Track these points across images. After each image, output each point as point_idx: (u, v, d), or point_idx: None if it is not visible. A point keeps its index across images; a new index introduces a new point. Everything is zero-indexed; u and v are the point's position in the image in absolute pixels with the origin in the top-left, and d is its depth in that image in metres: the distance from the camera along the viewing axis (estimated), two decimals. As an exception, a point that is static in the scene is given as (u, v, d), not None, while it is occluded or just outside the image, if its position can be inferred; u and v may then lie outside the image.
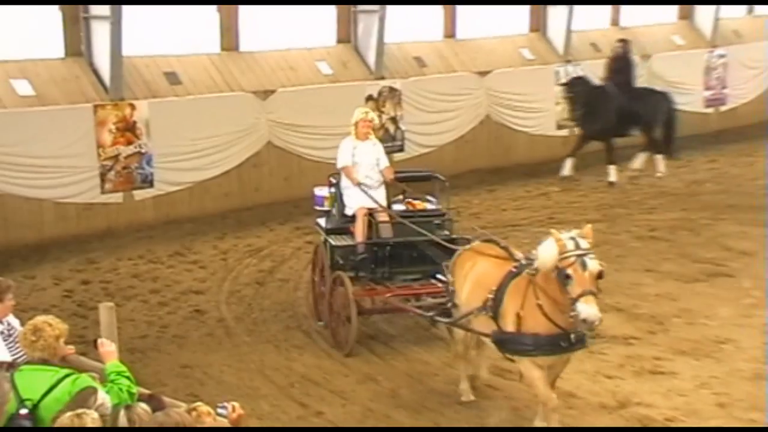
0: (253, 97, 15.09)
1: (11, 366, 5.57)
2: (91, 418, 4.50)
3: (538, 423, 7.62)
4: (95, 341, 6.02)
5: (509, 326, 7.24)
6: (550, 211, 15.16)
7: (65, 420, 4.48)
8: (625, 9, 20.22)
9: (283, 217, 14.66)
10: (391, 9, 16.15)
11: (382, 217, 9.72)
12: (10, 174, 12.84)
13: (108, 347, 5.81)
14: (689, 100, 20.73)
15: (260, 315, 10.95)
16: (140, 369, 8.42)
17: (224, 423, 4.98)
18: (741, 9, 22.20)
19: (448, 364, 9.24)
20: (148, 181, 14.07)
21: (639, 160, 17.01)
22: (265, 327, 10.57)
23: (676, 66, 20.34)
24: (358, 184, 9.73)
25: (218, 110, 14.54)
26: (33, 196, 13.08)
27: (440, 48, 17.68)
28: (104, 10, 13.33)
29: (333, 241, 9.89)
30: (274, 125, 15.27)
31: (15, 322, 6.25)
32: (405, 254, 9.65)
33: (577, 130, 17.04)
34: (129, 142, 13.83)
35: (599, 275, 6.80)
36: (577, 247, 6.80)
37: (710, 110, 21.32)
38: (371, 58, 16.39)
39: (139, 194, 14.01)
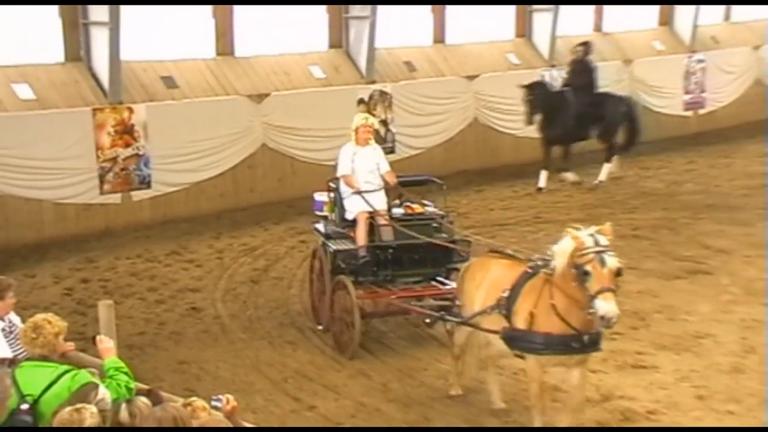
0: (248, 101, 15.08)
1: (12, 362, 5.56)
2: (90, 413, 4.49)
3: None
4: (94, 338, 6.01)
5: (521, 324, 7.09)
6: (535, 210, 15.19)
7: (64, 415, 4.47)
8: (607, 15, 20.27)
9: (277, 217, 14.66)
10: (381, 15, 16.15)
11: (383, 220, 9.53)
12: (11, 175, 12.82)
13: (106, 344, 5.80)
14: (669, 103, 20.86)
15: (255, 312, 10.94)
16: (138, 365, 8.41)
17: (219, 416, 4.97)
18: (718, 16, 22.28)
19: (437, 359, 9.25)
20: (145, 183, 14.05)
21: (614, 165, 16.69)
22: (260, 324, 10.56)
23: (657, 70, 20.42)
24: (359, 192, 9.52)
25: (214, 113, 14.53)
26: (33, 196, 13.05)
27: (429, 53, 17.69)
28: (103, 16, 13.30)
29: (334, 245, 9.67)
30: (268, 128, 15.26)
31: (16, 319, 6.23)
32: (406, 257, 9.46)
33: (539, 139, 16.43)
34: (127, 145, 13.81)
35: (618, 272, 6.62)
36: (596, 243, 6.63)
37: (689, 113, 21.39)
38: (363, 63, 16.40)
39: (137, 195, 13.99)
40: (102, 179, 13.64)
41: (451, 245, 9.38)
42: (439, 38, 17.84)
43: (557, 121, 15.89)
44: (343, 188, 9.75)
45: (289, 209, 14.95)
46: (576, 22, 19.51)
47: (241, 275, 12.19)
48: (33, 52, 13.48)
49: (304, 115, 15.43)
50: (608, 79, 19.51)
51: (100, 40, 13.57)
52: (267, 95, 15.28)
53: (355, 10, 16.21)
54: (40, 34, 13.60)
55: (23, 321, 5.82)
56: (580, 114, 15.95)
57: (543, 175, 16.28)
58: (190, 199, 14.52)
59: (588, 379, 8.52)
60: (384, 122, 16.52)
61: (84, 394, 4.94)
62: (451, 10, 17.81)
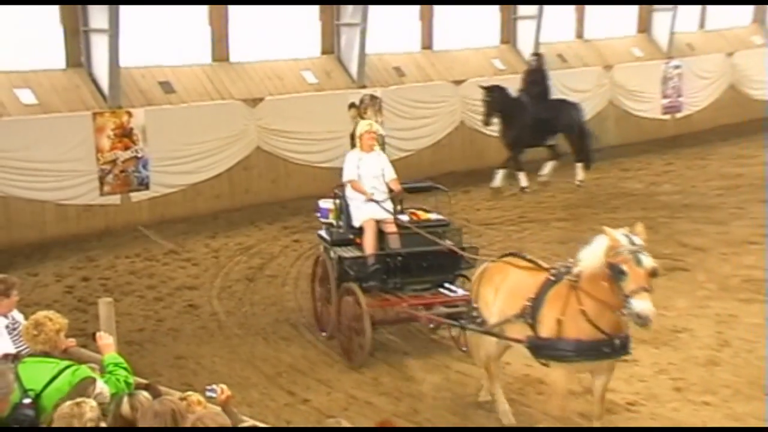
0: (243, 105, 15.05)
1: (16, 358, 5.54)
2: (90, 407, 4.48)
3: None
4: (94, 334, 5.99)
5: (547, 332, 6.77)
6: (520, 210, 15.20)
7: (65, 409, 4.46)
8: (588, 22, 20.31)
9: (271, 216, 14.64)
10: (372, 22, 16.15)
11: (391, 228, 9.22)
12: (14, 177, 12.78)
13: (106, 340, 5.79)
14: (648, 107, 20.92)
15: (250, 309, 10.92)
16: (137, 360, 8.38)
17: (215, 409, 4.96)
18: (694, 24, 22.37)
19: (426, 354, 9.26)
20: (144, 184, 14.01)
21: (548, 168, 16.52)
22: (255, 320, 10.54)
23: (636, 76, 20.48)
24: (372, 199, 9.18)
25: (210, 117, 14.51)
26: (35, 198, 13.01)
27: (418, 59, 17.70)
28: (103, 23, 13.28)
29: (342, 252, 9.37)
30: (262, 131, 15.24)
31: (19, 316, 6.21)
32: (415, 264, 9.13)
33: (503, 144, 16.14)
34: (126, 148, 13.77)
35: (653, 272, 6.37)
36: (631, 243, 6.34)
37: (667, 117, 21.45)
38: (353, 68, 16.39)
39: (136, 196, 13.96)
40: (102, 181, 13.59)
41: (465, 253, 9.08)
42: (427, 44, 17.85)
43: (514, 125, 15.71)
44: (350, 195, 9.44)
45: (283, 209, 14.94)
46: (558, 29, 19.54)
47: (237, 273, 12.16)
48: (35, 59, 13.45)
49: (297, 119, 15.42)
50: (590, 84, 19.67)
51: (100, 46, 13.53)
52: (261, 100, 15.26)
53: (347, 17, 16.21)
54: (42, 40, 13.57)
55: (26, 318, 5.81)
56: (535, 120, 15.79)
57: (521, 175, 16.06)
58: (187, 200, 14.49)
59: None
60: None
61: (82, 388, 4.93)
62: (438, 17, 17.83)
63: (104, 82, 13.63)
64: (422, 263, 9.15)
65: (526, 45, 18.77)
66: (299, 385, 8.74)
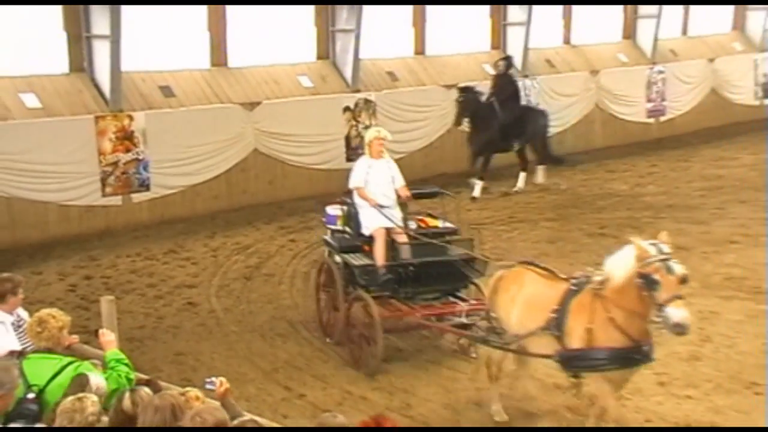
0: (241, 109, 15.04)
1: (21, 354, 5.53)
2: (91, 402, 4.48)
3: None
4: (97, 331, 5.99)
5: (577, 343, 6.54)
6: (510, 210, 15.22)
7: (67, 404, 4.46)
8: (575, 29, 20.34)
9: (268, 217, 14.63)
10: (366, 28, 16.14)
11: (401, 237, 8.91)
12: (18, 179, 12.75)
13: (108, 337, 5.79)
14: (633, 111, 20.97)
15: (247, 307, 10.91)
16: (138, 356, 8.35)
17: (213, 404, 4.96)
18: (677, 30, 22.43)
19: (418, 350, 9.26)
20: (144, 185, 13.99)
21: (521, 180, 16.29)
22: (252, 317, 10.53)
23: (621, 80, 20.53)
24: (377, 205, 8.91)
25: (209, 120, 14.49)
26: (39, 199, 12.98)
27: (411, 64, 17.71)
28: (105, 29, 13.26)
29: (351, 260, 9.09)
30: (259, 134, 15.23)
31: (24, 314, 6.21)
32: (426, 274, 8.82)
33: (469, 150, 16.01)
34: (127, 150, 13.75)
35: (684, 279, 6.21)
36: (660, 252, 6.22)
37: (651, 120, 21.51)
38: (348, 73, 16.38)
39: (137, 197, 13.93)
40: (104, 182, 13.57)
41: (477, 262, 8.87)
42: (420, 50, 17.86)
43: (483, 129, 15.51)
44: (359, 202, 9.11)
45: (279, 210, 14.93)
46: (546, 35, 19.57)
47: (235, 272, 12.15)
48: (39, 64, 13.42)
49: (294, 122, 15.41)
50: (577, 88, 19.72)
51: (102, 52, 13.51)
52: (258, 103, 15.25)
53: (341, 23, 16.21)
54: (46, 46, 13.53)
55: (30, 316, 5.80)
56: (504, 125, 15.62)
57: (478, 185, 15.68)
58: (186, 201, 14.47)
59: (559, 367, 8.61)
60: (368, 128, 16.49)
61: (79, 384, 4.92)
62: (430, 23, 17.84)
63: (106, 87, 13.60)
64: (433, 272, 8.85)
65: (515, 50, 18.78)
66: (295, 380, 8.74)
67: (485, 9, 18.74)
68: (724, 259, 12.01)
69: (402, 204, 9.22)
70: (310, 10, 16.18)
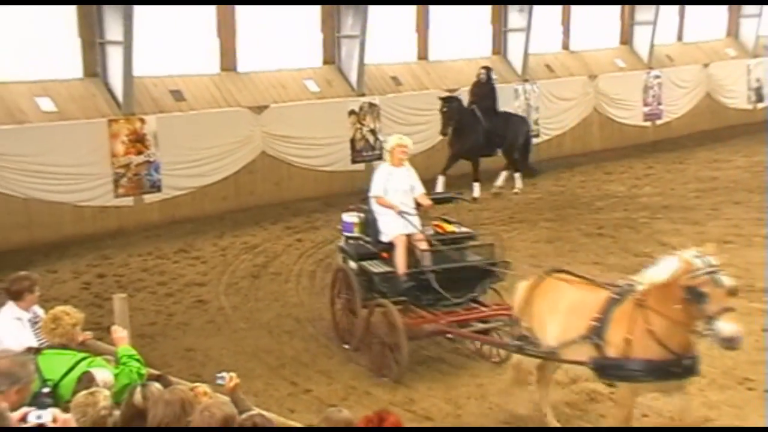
0: (249, 112, 15.05)
1: (37, 350, 5.55)
2: (103, 396, 4.49)
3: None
4: (109, 328, 6.00)
5: (614, 352, 6.29)
6: (510, 211, 15.21)
7: (80, 398, 4.47)
8: (574, 35, 20.33)
9: (275, 217, 14.63)
10: (370, 34, 16.15)
11: (423, 244, 8.68)
12: (34, 180, 12.77)
13: (120, 333, 5.81)
14: (630, 114, 20.96)
15: (255, 304, 10.91)
16: (149, 352, 8.38)
17: (221, 398, 4.97)
18: (672, 36, 22.40)
19: (420, 346, 9.25)
20: (155, 187, 14.00)
21: (501, 179, 16.20)
22: (260, 315, 10.54)
23: (619, 85, 20.52)
24: (401, 213, 8.64)
25: (218, 124, 14.50)
26: (54, 200, 13.01)
27: (414, 68, 17.70)
28: (118, 35, 13.28)
29: (370, 267, 8.81)
30: (267, 137, 15.24)
31: (40, 311, 6.24)
32: (447, 280, 8.55)
33: (448, 149, 15.63)
34: (139, 152, 13.77)
35: (734, 291, 5.91)
36: (708, 264, 5.91)
37: (648, 123, 21.48)
38: (353, 78, 16.39)
39: (148, 198, 13.96)
40: (116, 184, 13.59)
41: (497, 267, 8.66)
42: (423, 55, 17.86)
43: (467, 136, 15.35)
44: (378, 209, 8.86)
45: (285, 210, 14.94)
46: (546, 41, 19.56)
47: (243, 271, 12.16)
48: (54, 69, 13.44)
49: (300, 125, 15.42)
50: (576, 92, 19.70)
51: (114, 57, 13.53)
52: (266, 107, 15.26)
53: (347, 29, 16.21)
54: (61, 52, 13.56)
55: (46, 312, 5.82)
56: (487, 131, 15.52)
57: (440, 179, 15.32)
58: (195, 202, 14.49)
59: (557, 363, 8.59)
60: (373, 131, 16.53)
61: (86, 381, 4.94)
62: (433, 29, 17.84)
63: (119, 91, 13.63)
64: (455, 278, 8.60)
65: (515, 56, 18.80)
66: (301, 376, 8.74)
67: (486, 15, 18.73)
68: (718, 258, 11.96)
69: (422, 213, 8.99)
70: (316, 17, 16.20)
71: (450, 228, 9.19)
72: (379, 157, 16.47)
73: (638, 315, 6.21)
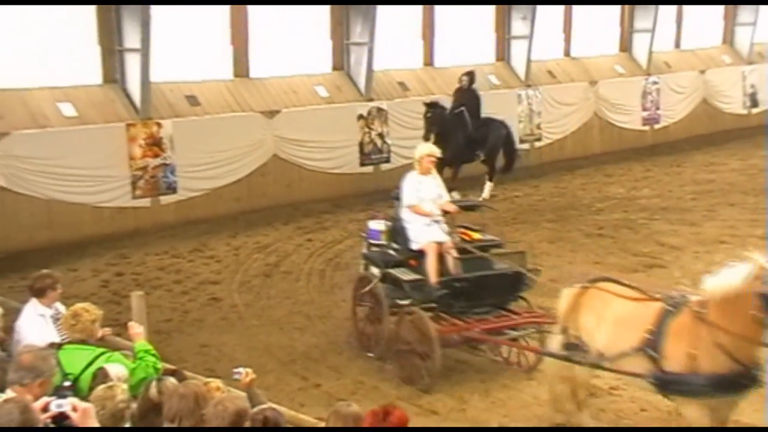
0: (261, 117, 15.07)
1: (59, 345, 5.57)
2: (121, 389, 4.50)
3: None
4: (126, 324, 6.02)
5: (676, 367, 5.88)
6: (513, 212, 15.16)
7: (99, 392, 4.48)
8: (575, 42, 20.27)
9: (286, 218, 14.63)
10: (378, 41, 16.15)
11: (453, 252, 8.47)
12: (56, 182, 12.80)
13: (136, 329, 5.82)
14: (629, 119, 20.89)
15: (267, 302, 10.92)
16: (165, 348, 8.36)
17: (235, 393, 4.97)
18: (670, 44, 22.33)
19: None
20: (171, 188, 14.01)
21: (487, 190, 15.69)
22: (271, 312, 10.54)
23: (618, 90, 20.46)
24: (435, 219, 8.50)
25: (231, 128, 14.51)
26: (74, 201, 13.03)
27: (420, 74, 17.69)
28: (136, 43, 13.31)
29: (398, 274, 8.55)
30: (278, 140, 15.24)
31: (62, 308, 6.26)
32: (479, 287, 8.33)
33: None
34: (156, 155, 13.79)
35: None
36: None
37: (646, 128, 21.41)
38: (362, 83, 16.38)
39: (164, 199, 13.96)
40: (134, 185, 13.61)
41: (528, 274, 8.43)
42: (429, 61, 17.84)
43: (449, 142, 14.76)
44: (407, 217, 8.67)
45: (296, 211, 14.94)
46: (548, 48, 19.51)
47: (255, 269, 12.16)
48: (75, 75, 13.47)
49: (310, 129, 15.42)
50: (577, 98, 19.66)
51: (132, 64, 13.56)
52: (278, 112, 15.27)
53: (356, 37, 16.21)
54: (82, 59, 13.58)
55: (67, 309, 5.84)
56: (468, 136, 15.18)
57: (452, 195, 15.09)
58: (210, 203, 14.50)
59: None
60: (380, 135, 16.53)
61: (101, 377, 4.95)
62: (439, 37, 17.82)
63: (136, 97, 13.65)
64: (486, 286, 8.38)
65: (518, 62, 18.76)
66: (311, 371, 8.74)
67: (490, 23, 18.70)
68: (714, 258, 11.91)
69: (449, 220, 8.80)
70: (326, 24, 16.21)
71: (476, 236, 8.95)
72: (387, 160, 16.54)
73: (700, 327, 5.79)
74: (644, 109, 21.22)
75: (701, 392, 5.82)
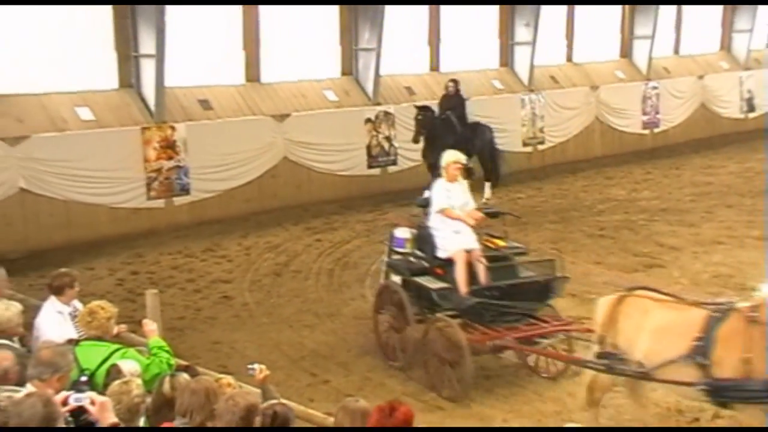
0: (272, 120, 15.07)
1: (76, 342, 5.59)
2: (136, 384, 4.51)
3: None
4: (140, 321, 6.03)
5: (729, 373, 5.72)
6: (517, 214, 15.02)
7: (115, 387, 4.49)
8: (577, 48, 20.22)
9: (295, 219, 14.62)
10: (386, 47, 16.14)
11: (482, 260, 8.19)
12: (73, 184, 12.84)
13: (150, 326, 5.84)
14: (629, 123, 20.82)
15: (277, 300, 10.92)
16: (178, 344, 8.39)
17: (247, 388, 4.97)
18: (669, 50, 22.26)
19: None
20: (185, 190, 14.03)
21: (487, 190, 15.36)
22: (281, 310, 10.54)
23: (619, 95, 20.40)
24: (471, 224, 8.24)
25: (243, 131, 14.52)
26: (91, 202, 13.06)
27: (426, 79, 17.66)
28: (151, 49, 13.34)
29: (426, 283, 8.29)
30: (288, 143, 15.25)
31: (80, 305, 6.28)
32: (509, 295, 8.03)
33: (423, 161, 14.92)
34: (170, 158, 13.81)
35: None
36: None
37: (646, 131, 21.34)
38: (369, 88, 16.38)
39: (178, 200, 13.98)
40: (148, 187, 13.63)
41: (557, 282, 8.25)
42: (435, 66, 17.82)
43: (438, 147, 14.11)
44: (435, 224, 8.40)
45: (305, 212, 14.94)
46: (550, 53, 19.47)
47: (265, 269, 12.17)
48: (92, 81, 13.50)
49: (320, 133, 15.42)
50: (579, 102, 19.61)
51: (147, 69, 13.59)
52: (288, 115, 15.27)
53: (364, 42, 16.21)
54: (99, 65, 13.62)
55: (84, 307, 5.86)
56: (456, 141, 14.58)
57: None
58: (222, 204, 14.51)
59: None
60: (388, 138, 16.51)
61: (115, 372, 4.97)
62: (445, 42, 17.81)
63: (151, 101, 13.68)
64: (517, 294, 8.08)
65: (522, 67, 18.72)
66: (320, 367, 8.74)
67: (494, 29, 18.68)
68: (712, 258, 11.94)
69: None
70: (335, 30, 16.21)
71: (500, 243, 8.66)
72: (394, 163, 16.53)
73: (755, 332, 5.60)
74: (644, 114, 21.15)
75: (760, 396, 5.64)
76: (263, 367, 5.25)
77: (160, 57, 13.32)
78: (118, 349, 5.38)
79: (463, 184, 8.63)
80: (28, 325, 6.15)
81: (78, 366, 5.10)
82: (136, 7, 13.38)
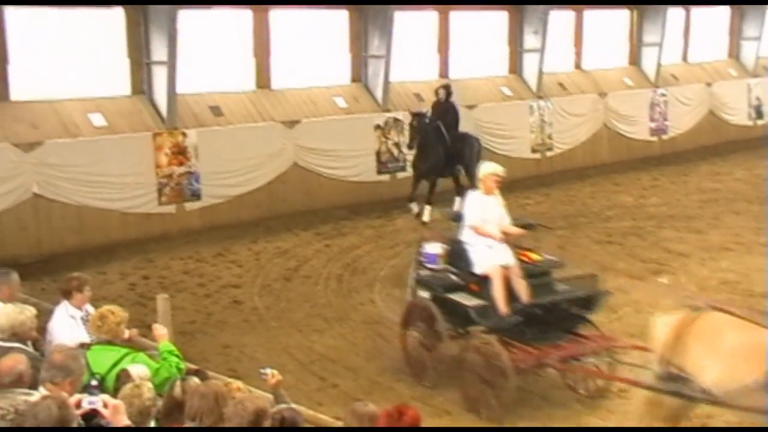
0: (282, 127, 15.11)
1: (88, 346, 5.61)
2: (147, 388, 4.52)
3: None
4: (151, 325, 6.05)
5: None
6: (550, 225, 14.88)
7: (126, 390, 4.51)
8: (585, 55, 20.20)
9: (305, 224, 14.63)
10: (395, 54, 16.17)
11: (521, 276, 7.81)
12: (86, 189, 12.88)
13: (160, 330, 5.86)
14: (638, 130, 20.77)
15: (286, 305, 10.93)
16: (189, 348, 8.41)
17: (256, 392, 4.98)
18: (677, 57, 22.21)
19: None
20: (196, 195, 14.07)
21: (457, 203, 14.38)
22: (291, 314, 10.55)
23: (627, 102, 20.35)
24: (504, 240, 7.89)
25: (253, 137, 14.56)
26: (103, 206, 13.11)
27: (435, 86, 17.60)
28: (163, 56, 13.40)
29: (462, 300, 7.92)
30: (298, 149, 15.27)
31: (91, 309, 6.29)
32: (551, 312, 7.72)
33: (412, 170, 14.78)
34: (181, 163, 13.86)
35: None
36: None
37: (654, 138, 21.28)
38: (379, 94, 16.39)
39: (189, 206, 14.01)
40: (160, 192, 13.68)
41: (596, 298, 7.99)
42: (444, 74, 17.81)
43: (429, 155, 14.44)
44: (469, 239, 8.04)
45: (315, 218, 14.95)
46: (559, 61, 19.46)
47: (275, 273, 12.18)
48: (105, 87, 13.56)
49: (329, 139, 15.44)
50: (587, 109, 19.58)
51: (159, 76, 13.65)
52: (298, 122, 15.31)
53: (373, 49, 16.24)
54: (111, 71, 13.69)
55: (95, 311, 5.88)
56: (447, 150, 14.60)
57: (414, 206, 14.52)
58: (232, 209, 14.54)
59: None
60: (397, 145, 16.52)
61: (125, 376, 4.98)
62: (454, 50, 17.81)
63: (163, 107, 13.74)
64: (558, 311, 7.78)
65: (530, 74, 18.71)
66: (329, 371, 8.74)
67: (503, 37, 18.69)
68: (719, 264, 11.89)
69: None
70: (345, 38, 16.26)
71: (536, 257, 8.23)
72: (403, 169, 16.52)
73: None
74: (652, 120, 21.09)
75: None
76: (275, 371, 5.25)
77: (171, 64, 13.39)
78: (128, 354, 5.39)
79: (499, 197, 8.23)
80: (41, 329, 6.18)
81: (89, 370, 5.11)
82: (149, 15, 13.46)
